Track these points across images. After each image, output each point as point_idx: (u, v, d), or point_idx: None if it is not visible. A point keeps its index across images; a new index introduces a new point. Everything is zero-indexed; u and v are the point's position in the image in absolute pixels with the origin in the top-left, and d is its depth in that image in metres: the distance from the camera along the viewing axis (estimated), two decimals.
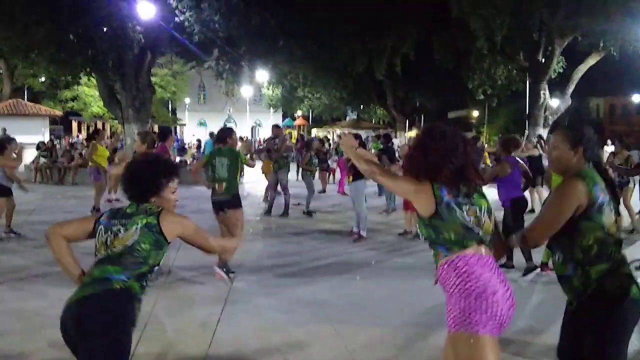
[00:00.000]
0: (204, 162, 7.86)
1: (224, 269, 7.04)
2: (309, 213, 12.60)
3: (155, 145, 7.95)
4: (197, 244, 3.18)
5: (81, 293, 2.89)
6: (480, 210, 2.90)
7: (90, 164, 13.30)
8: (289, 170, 12.98)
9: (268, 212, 12.61)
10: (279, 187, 12.62)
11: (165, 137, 10.91)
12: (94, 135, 14.06)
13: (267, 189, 14.40)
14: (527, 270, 7.29)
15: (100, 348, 2.73)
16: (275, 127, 13.98)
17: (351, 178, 10.30)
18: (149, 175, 3.15)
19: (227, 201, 7.28)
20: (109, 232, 3.01)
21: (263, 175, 14.76)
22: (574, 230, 2.95)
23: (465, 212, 2.85)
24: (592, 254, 2.93)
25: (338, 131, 39.81)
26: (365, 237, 9.87)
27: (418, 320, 5.67)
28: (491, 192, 4.92)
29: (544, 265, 7.42)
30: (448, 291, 2.84)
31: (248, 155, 8.71)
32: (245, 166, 8.07)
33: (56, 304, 5.97)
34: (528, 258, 7.30)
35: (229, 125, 60.38)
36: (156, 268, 3.07)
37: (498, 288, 2.75)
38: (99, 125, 43.00)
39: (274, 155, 12.70)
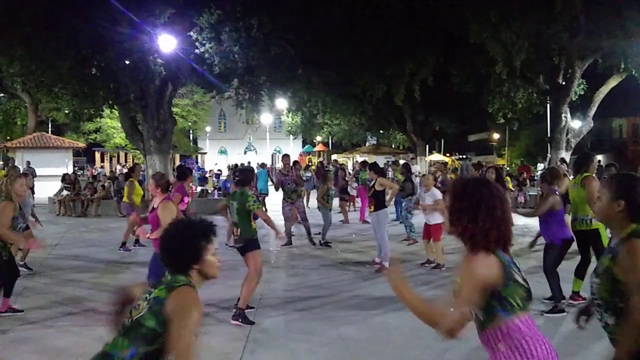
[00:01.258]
0: (224, 204, 7.80)
1: (241, 313, 6.87)
2: (326, 244, 12.55)
3: (170, 187, 7.90)
4: (170, 341, 2.66)
5: None
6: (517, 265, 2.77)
7: (125, 199, 13.30)
8: (302, 198, 13.28)
9: (289, 243, 12.51)
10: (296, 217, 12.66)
11: (185, 176, 10.87)
12: (131, 173, 14.06)
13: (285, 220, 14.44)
14: (557, 310, 6.99)
15: None
16: (285, 156, 14.12)
17: (373, 208, 10.25)
18: (186, 242, 2.85)
19: (242, 247, 7.17)
20: (140, 297, 2.85)
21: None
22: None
23: (518, 270, 2.71)
24: None
25: (358, 157, 39.85)
26: (387, 268, 9.76)
27: (440, 357, 5.56)
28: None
29: (575, 295, 7.24)
30: (504, 355, 2.63)
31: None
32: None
33: (80, 342, 6.02)
34: (558, 296, 7.05)
35: (249, 153, 60.90)
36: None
37: (555, 354, 2.65)
38: (122, 156, 43.53)
39: (286, 187, 12.89)
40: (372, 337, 6.29)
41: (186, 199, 10.20)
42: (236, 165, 31.85)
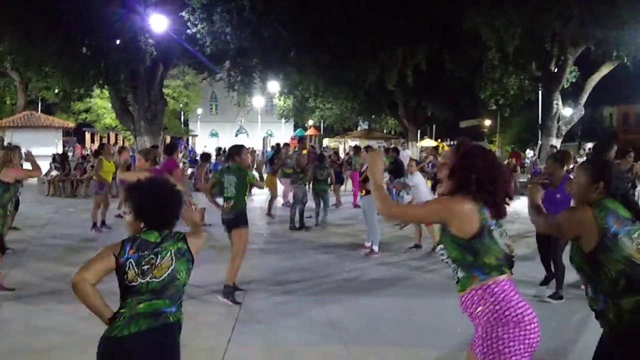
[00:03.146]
0: (213, 182, 7.74)
1: (230, 290, 6.89)
2: (304, 227, 12.63)
3: (158, 161, 7.85)
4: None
5: (134, 327, 2.85)
6: (507, 234, 2.90)
7: (94, 177, 13.30)
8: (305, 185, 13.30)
9: (302, 226, 12.57)
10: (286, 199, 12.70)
11: (172, 150, 10.95)
12: (100, 151, 14.05)
13: (270, 202, 14.44)
14: (557, 297, 7.00)
15: None
16: (302, 139, 14.30)
17: (364, 192, 10.25)
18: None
19: (232, 219, 7.11)
20: (144, 264, 2.93)
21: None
22: (596, 263, 2.90)
23: (502, 236, 2.84)
24: (620, 286, 2.86)
25: (350, 141, 39.80)
26: (376, 252, 9.79)
27: (432, 342, 5.59)
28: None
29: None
30: (480, 317, 2.77)
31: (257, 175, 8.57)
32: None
33: (69, 321, 6.02)
34: (559, 286, 7.05)
35: (241, 135, 60.73)
36: None
37: (533, 315, 2.74)
38: (112, 137, 43.34)
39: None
40: (361, 320, 6.31)
41: (178, 172, 10.25)
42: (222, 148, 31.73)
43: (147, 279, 2.90)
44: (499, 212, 2.84)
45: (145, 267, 2.91)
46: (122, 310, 2.92)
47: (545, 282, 7.41)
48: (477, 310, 2.77)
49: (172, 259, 2.96)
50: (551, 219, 3.32)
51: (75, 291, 2.91)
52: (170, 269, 2.95)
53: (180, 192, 3.20)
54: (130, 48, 18.72)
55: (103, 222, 12.33)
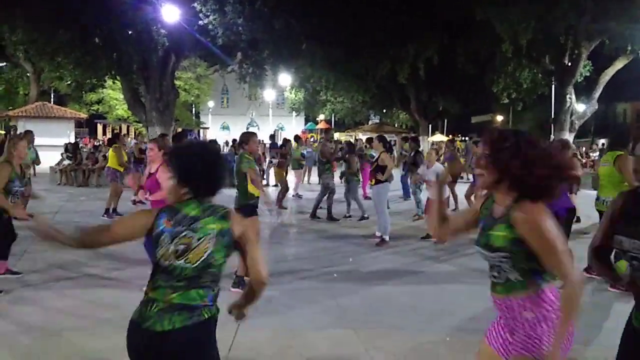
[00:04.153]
0: None
1: (240, 281, 6.85)
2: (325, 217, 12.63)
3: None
4: (248, 250, 2.77)
5: (168, 324, 2.57)
6: None
7: (109, 164, 13.38)
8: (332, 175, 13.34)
9: (330, 217, 12.49)
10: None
11: (182, 139, 10.94)
12: (115, 140, 14.12)
13: (279, 194, 14.45)
14: None
15: None
16: (327, 131, 14.31)
17: (374, 181, 10.22)
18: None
19: (237, 210, 7.04)
20: (179, 242, 2.63)
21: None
22: None
23: None
24: None
25: (360, 135, 39.73)
26: (387, 242, 9.77)
27: (440, 327, 5.58)
28: None
29: (590, 268, 7.20)
30: (529, 321, 2.59)
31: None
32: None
33: (79, 305, 6.05)
34: None
35: (251, 129, 60.77)
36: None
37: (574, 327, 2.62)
38: (124, 128, 43.50)
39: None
40: (369, 307, 6.30)
41: None
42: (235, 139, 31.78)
43: (182, 262, 2.60)
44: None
45: (181, 247, 2.61)
46: (153, 296, 2.65)
47: None
48: (527, 315, 2.59)
49: (210, 241, 2.63)
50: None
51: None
52: (206, 254, 2.62)
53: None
54: (142, 38, 18.75)
55: (115, 210, 12.42)
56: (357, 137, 34.90)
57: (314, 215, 12.56)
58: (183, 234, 2.63)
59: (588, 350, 4.93)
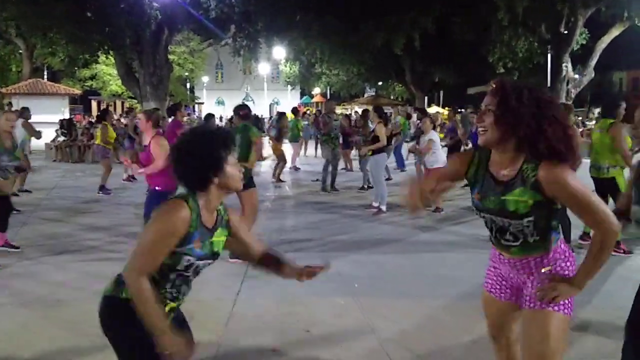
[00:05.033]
0: None
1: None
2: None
3: (160, 124, 7.75)
4: (242, 236, 2.84)
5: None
6: None
7: (97, 142, 13.35)
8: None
9: (333, 188, 12.45)
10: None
11: (174, 112, 10.87)
12: (104, 116, 14.03)
13: (276, 167, 14.39)
14: None
15: None
16: (329, 101, 13.99)
17: (370, 152, 10.19)
18: (204, 151, 2.49)
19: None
20: (202, 265, 2.62)
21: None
22: None
23: None
24: None
25: (356, 108, 39.60)
26: (385, 211, 9.78)
27: (441, 293, 5.60)
28: None
29: (586, 235, 7.21)
30: (547, 276, 2.58)
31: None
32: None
33: (78, 277, 6.06)
34: (567, 240, 7.03)
35: (247, 103, 60.54)
36: None
37: None
38: (118, 105, 43.23)
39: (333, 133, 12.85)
40: (370, 275, 6.31)
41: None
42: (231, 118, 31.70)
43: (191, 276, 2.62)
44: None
45: (202, 265, 2.60)
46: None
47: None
48: (545, 269, 2.58)
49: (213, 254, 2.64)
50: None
51: (131, 290, 2.46)
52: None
53: (221, 137, 2.60)
54: (134, 12, 18.54)
55: (103, 187, 12.37)
56: (354, 111, 34.74)
57: (333, 188, 12.46)
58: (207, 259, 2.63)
59: (585, 313, 4.96)
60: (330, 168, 12.53)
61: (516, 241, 2.57)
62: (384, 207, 9.83)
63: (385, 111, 14.33)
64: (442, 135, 13.58)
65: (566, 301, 2.54)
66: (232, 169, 2.54)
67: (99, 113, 18.07)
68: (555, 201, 2.46)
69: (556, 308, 2.53)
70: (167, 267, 2.47)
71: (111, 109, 42.49)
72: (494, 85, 2.52)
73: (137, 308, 2.35)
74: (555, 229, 2.56)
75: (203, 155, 2.48)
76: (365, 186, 12.49)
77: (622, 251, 6.96)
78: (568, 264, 2.59)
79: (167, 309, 2.54)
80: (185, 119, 12.16)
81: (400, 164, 16.27)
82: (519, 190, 2.46)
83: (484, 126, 2.49)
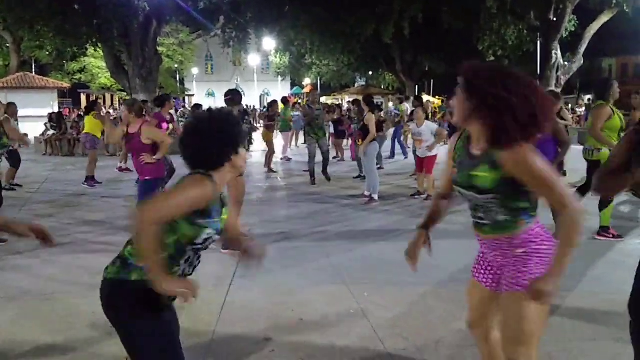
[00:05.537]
0: None
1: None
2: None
3: (145, 113, 7.73)
4: None
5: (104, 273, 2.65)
6: None
7: (86, 131, 13.30)
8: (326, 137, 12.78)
9: (314, 182, 12.07)
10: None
11: (162, 104, 10.71)
12: (93, 107, 13.97)
13: (267, 156, 14.35)
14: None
15: None
16: (314, 90, 13.44)
17: (360, 141, 10.19)
18: (230, 130, 2.62)
19: None
20: (216, 238, 2.67)
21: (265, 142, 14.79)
22: None
23: None
24: None
25: (347, 98, 39.57)
26: (376, 200, 9.79)
27: (433, 280, 5.61)
28: None
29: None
30: (520, 257, 2.60)
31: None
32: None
33: (68, 270, 6.05)
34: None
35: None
36: None
37: None
38: (107, 98, 43.02)
39: (315, 123, 12.22)
40: (363, 264, 6.33)
41: (165, 125, 10.08)
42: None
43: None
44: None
45: (209, 241, 2.62)
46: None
47: None
48: (517, 251, 2.61)
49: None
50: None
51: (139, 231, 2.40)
52: None
53: (234, 129, 2.65)
54: (122, 3, 18.39)
55: (92, 177, 12.36)
56: (347, 101, 34.74)
57: (326, 176, 12.24)
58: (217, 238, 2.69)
59: (572, 297, 5.00)
60: (321, 159, 12.19)
61: (487, 219, 2.64)
62: (375, 197, 9.85)
63: (376, 101, 14.35)
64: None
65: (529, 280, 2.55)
66: (241, 149, 2.66)
67: (87, 104, 17.95)
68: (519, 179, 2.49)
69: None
70: (187, 240, 2.52)
71: (100, 101, 42.49)
72: (465, 63, 2.60)
73: (142, 249, 2.35)
74: (527, 210, 2.58)
75: (228, 132, 2.60)
76: (364, 175, 12.42)
77: (611, 236, 7.00)
78: (543, 247, 2.58)
79: None
80: (171, 111, 11.97)
81: (403, 152, 16.49)
82: (484, 167, 2.53)
83: (453, 106, 2.62)
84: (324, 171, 12.25)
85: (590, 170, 7.13)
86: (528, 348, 2.61)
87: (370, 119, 10.01)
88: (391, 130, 16.50)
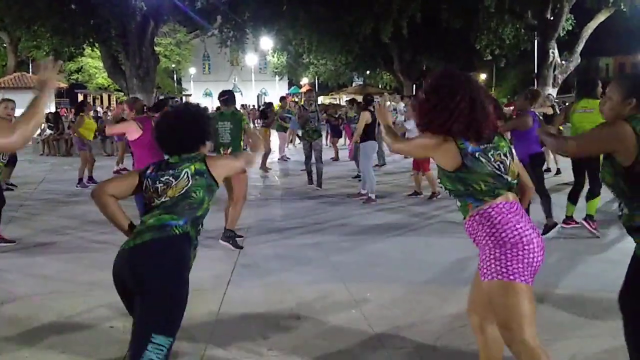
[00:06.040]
0: None
1: (231, 235, 6.90)
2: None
3: (145, 111, 7.70)
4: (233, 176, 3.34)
5: (139, 239, 2.87)
6: (504, 153, 2.85)
7: (75, 134, 13.35)
8: (321, 138, 12.09)
9: (310, 182, 11.62)
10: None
11: (160, 109, 10.61)
12: (82, 108, 13.96)
13: (263, 156, 14.26)
14: (548, 229, 6.96)
15: (163, 292, 2.77)
16: (310, 90, 12.95)
17: (358, 141, 10.19)
18: (207, 119, 3.30)
19: None
20: (159, 183, 3.01)
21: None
22: (635, 177, 2.72)
23: (492, 159, 2.79)
24: None
25: (345, 97, 39.53)
26: (374, 199, 9.79)
27: (430, 277, 5.63)
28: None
29: (569, 219, 7.28)
30: (481, 241, 2.79)
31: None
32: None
33: (69, 268, 6.04)
34: (548, 215, 7.11)
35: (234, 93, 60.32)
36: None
37: (533, 236, 2.73)
38: (105, 98, 42.99)
39: (308, 126, 11.48)
40: (360, 261, 6.33)
41: None
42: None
43: (162, 198, 2.99)
44: (479, 137, 2.78)
45: (160, 186, 2.99)
46: (136, 228, 2.99)
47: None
48: (478, 234, 2.80)
49: (188, 178, 3.00)
50: (563, 138, 3.16)
51: (95, 201, 3.05)
52: (184, 189, 2.98)
53: (203, 118, 3.28)
54: (119, 3, 18.39)
55: (90, 178, 12.35)
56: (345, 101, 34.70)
57: (319, 183, 11.35)
58: (163, 176, 3.02)
59: (570, 294, 5.00)
60: (313, 162, 11.56)
61: (458, 204, 2.94)
62: (373, 195, 9.83)
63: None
64: None
65: (502, 269, 2.68)
66: (209, 142, 3.30)
67: (76, 105, 17.93)
68: (444, 166, 2.84)
69: (490, 277, 2.72)
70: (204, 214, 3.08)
71: (97, 101, 42.42)
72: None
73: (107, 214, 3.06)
74: (470, 194, 2.80)
75: (206, 121, 3.26)
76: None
77: (593, 228, 6.98)
78: (494, 229, 2.74)
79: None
80: None
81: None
82: None
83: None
84: (319, 181, 11.33)
85: (580, 166, 7.24)
86: (516, 332, 2.69)
87: (362, 117, 10.03)
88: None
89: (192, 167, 3.03)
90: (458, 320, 4.48)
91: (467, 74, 3.01)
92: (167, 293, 2.78)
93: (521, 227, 2.71)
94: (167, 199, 2.99)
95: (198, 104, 3.66)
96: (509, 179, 2.82)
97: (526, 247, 2.69)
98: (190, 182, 3.00)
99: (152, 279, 2.77)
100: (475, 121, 2.76)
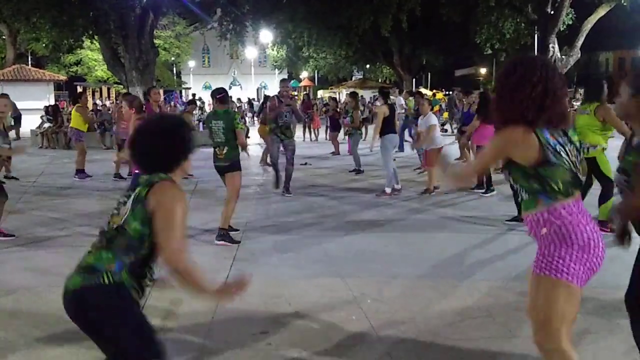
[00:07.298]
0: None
1: (224, 232, 6.89)
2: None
3: (144, 108, 7.73)
4: (156, 233, 2.49)
5: (72, 285, 2.52)
6: (577, 148, 2.73)
7: (71, 125, 13.27)
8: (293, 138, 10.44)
9: (277, 186, 10.35)
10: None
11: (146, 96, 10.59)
12: (78, 99, 13.92)
13: (264, 152, 14.22)
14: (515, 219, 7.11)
15: (109, 339, 2.52)
16: (284, 81, 11.24)
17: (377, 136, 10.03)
18: (184, 136, 2.68)
19: (226, 167, 7.01)
20: (119, 202, 2.62)
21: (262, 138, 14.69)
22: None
23: (570, 154, 2.66)
24: None
25: (344, 91, 39.51)
26: (398, 190, 9.79)
27: (429, 272, 5.64)
28: None
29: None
30: (546, 238, 2.66)
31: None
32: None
33: (68, 262, 6.02)
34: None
35: (234, 88, 60.28)
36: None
37: (599, 240, 2.64)
38: (104, 91, 42.91)
39: (281, 121, 10.00)
40: (357, 255, 6.34)
41: None
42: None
43: (109, 225, 2.58)
44: (559, 124, 2.65)
45: (115, 211, 2.59)
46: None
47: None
48: (542, 231, 2.67)
49: (129, 205, 2.52)
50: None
51: (181, 276, 2.53)
52: (124, 218, 2.52)
53: (185, 139, 2.69)
54: None
55: (82, 170, 12.30)
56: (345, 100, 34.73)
57: (286, 189, 10.13)
58: (123, 199, 2.62)
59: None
60: (287, 164, 10.18)
61: (520, 197, 2.79)
62: (388, 190, 9.71)
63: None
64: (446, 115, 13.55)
65: (563, 267, 2.59)
66: (191, 155, 2.74)
67: (74, 96, 17.93)
68: (523, 162, 2.65)
69: (547, 272, 2.62)
70: (148, 256, 2.59)
71: (97, 94, 42.35)
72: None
73: (193, 283, 2.50)
74: (545, 192, 2.64)
75: (182, 139, 2.68)
76: (362, 169, 12.41)
77: (608, 230, 6.98)
78: (564, 229, 2.62)
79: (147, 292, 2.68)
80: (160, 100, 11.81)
81: (401, 146, 16.39)
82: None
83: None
84: (286, 185, 10.13)
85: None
86: (554, 334, 2.63)
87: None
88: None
89: (139, 191, 2.54)
90: (457, 315, 4.49)
91: (544, 57, 2.91)
92: (115, 338, 2.51)
93: (590, 230, 2.63)
94: (110, 226, 2.57)
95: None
96: (580, 176, 2.75)
97: (592, 251, 2.61)
98: (128, 211, 2.52)
99: (91, 330, 2.53)
100: (556, 109, 2.63)
